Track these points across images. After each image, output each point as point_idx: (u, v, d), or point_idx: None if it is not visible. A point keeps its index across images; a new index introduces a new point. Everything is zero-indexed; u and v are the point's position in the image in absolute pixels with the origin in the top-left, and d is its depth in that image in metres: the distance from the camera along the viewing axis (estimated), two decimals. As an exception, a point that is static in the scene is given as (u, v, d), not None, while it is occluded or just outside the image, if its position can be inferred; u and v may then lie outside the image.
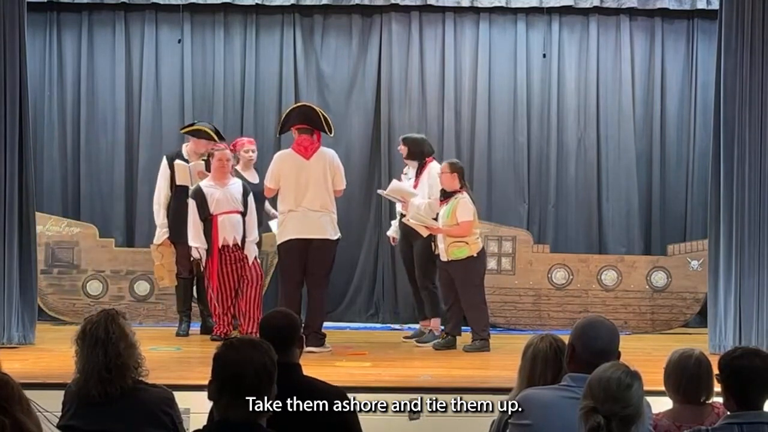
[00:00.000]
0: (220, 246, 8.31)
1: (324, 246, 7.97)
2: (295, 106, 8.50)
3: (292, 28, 10.16)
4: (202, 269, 8.53)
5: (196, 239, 8.40)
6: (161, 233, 8.78)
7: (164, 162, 8.88)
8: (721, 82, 8.05)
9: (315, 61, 10.21)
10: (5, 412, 3.07)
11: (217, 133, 8.85)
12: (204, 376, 3.14)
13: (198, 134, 8.78)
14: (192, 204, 8.40)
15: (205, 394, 3.12)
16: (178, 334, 8.71)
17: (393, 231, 8.93)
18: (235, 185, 8.47)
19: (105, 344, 3.83)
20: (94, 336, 3.85)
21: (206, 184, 8.43)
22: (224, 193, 8.38)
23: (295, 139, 8.13)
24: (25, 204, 8.11)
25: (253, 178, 8.91)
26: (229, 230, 8.34)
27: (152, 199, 9.97)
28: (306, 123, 8.03)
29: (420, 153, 8.58)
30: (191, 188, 8.53)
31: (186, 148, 8.89)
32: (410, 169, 8.72)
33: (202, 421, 3.55)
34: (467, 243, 8.04)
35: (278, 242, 8.09)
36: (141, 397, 3.87)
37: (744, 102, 7.94)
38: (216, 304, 8.36)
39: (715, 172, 8.14)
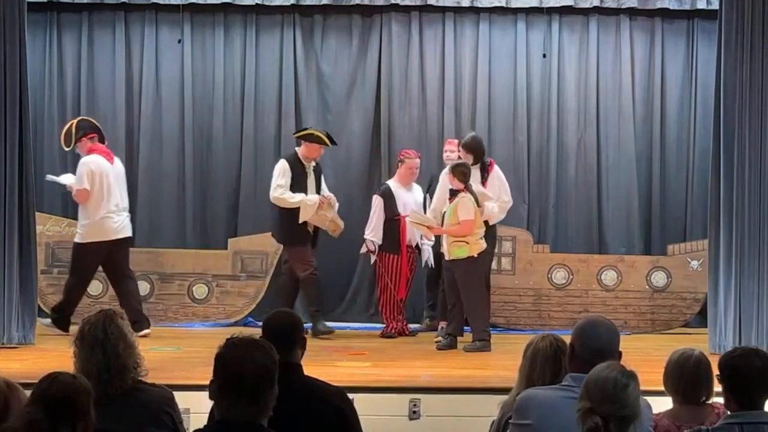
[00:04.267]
0: (406, 245, 8.88)
1: (126, 243, 8.83)
2: (74, 121, 8.95)
3: (292, 28, 10.16)
4: (371, 264, 9.03)
5: (375, 233, 8.86)
6: (312, 198, 8.78)
7: (285, 165, 8.80)
8: (721, 81, 8.05)
9: (315, 61, 10.21)
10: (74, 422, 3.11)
11: (329, 137, 8.89)
12: (205, 376, 3.14)
13: (311, 139, 8.82)
14: (380, 201, 8.93)
15: (205, 394, 3.12)
16: (319, 333, 8.67)
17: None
18: (417, 191, 9.09)
19: (104, 345, 3.81)
20: (92, 337, 3.82)
21: (394, 185, 8.99)
22: (409, 196, 8.98)
23: (90, 146, 8.68)
24: (25, 204, 8.12)
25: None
26: (413, 232, 8.86)
27: (152, 199, 10.04)
28: (95, 132, 8.71)
29: (481, 153, 8.63)
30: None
31: (299, 151, 8.89)
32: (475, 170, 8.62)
33: (202, 421, 3.55)
34: (468, 243, 8.05)
35: (85, 241, 8.60)
36: (141, 397, 3.86)
37: (744, 102, 7.94)
38: (396, 303, 8.88)
39: (714, 172, 8.14)
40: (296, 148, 9.03)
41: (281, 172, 8.81)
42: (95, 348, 3.80)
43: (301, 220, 8.76)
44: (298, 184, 8.80)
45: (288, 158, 8.94)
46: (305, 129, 9.14)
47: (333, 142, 9.06)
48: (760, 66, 7.95)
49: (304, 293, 9.00)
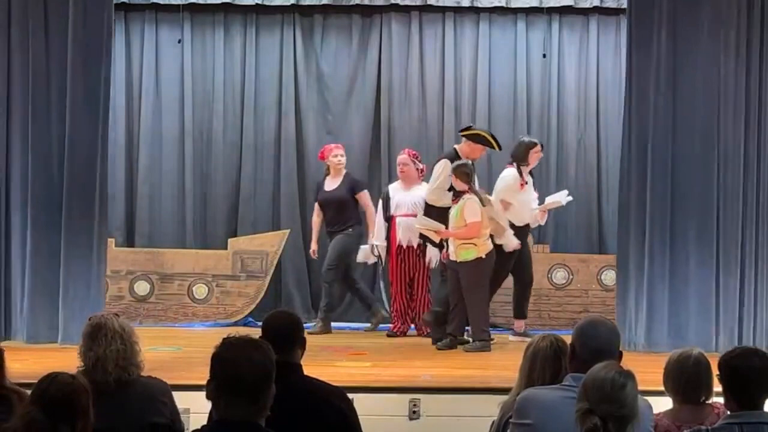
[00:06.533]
0: (396, 246, 8.80)
1: None
2: None
3: (292, 28, 10.17)
4: (381, 268, 9.09)
5: (377, 237, 8.89)
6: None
7: (448, 165, 8.37)
8: (632, 78, 8.12)
9: (315, 61, 10.22)
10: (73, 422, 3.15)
11: (494, 139, 8.59)
12: (205, 376, 3.13)
13: (476, 139, 8.53)
14: (379, 204, 8.96)
15: (205, 393, 3.12)
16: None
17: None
18: (419, 191, 8.80)
19: (121, 335, 3.99)
20: (110, 328, 3.99)
21: (393, 187, 9.04)
22: (405, 197, 8.84)
23: None
24: (103, 208, 8.20)
25: (331, 185, 9.09)
26: (405, 232, 8.74)
27: (152, 199, 10.03)
28: None
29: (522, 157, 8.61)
30: None
31: (460, 149, 8.57)
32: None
33: (202, 421, 3.55)
34: (475, 244, 8.01)
35: None
36: (140, 389, 3.98)
37: (659, 97, 8.04)
38: (400, 303, 8.89)
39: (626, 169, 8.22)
40: (455, 146, 8.66)
41: (444, 172, 8.40)
42: (115, 336, 3.97)
43: None
44: None
45: (449, 157, 8.53)
46: (469, 127, 8.70)
47: (499, 146, 8.67)
48: (673, 60, 8.06)
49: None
